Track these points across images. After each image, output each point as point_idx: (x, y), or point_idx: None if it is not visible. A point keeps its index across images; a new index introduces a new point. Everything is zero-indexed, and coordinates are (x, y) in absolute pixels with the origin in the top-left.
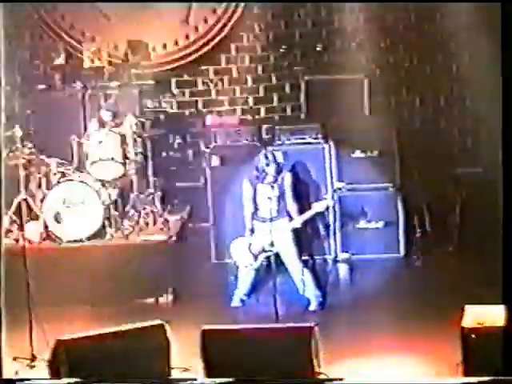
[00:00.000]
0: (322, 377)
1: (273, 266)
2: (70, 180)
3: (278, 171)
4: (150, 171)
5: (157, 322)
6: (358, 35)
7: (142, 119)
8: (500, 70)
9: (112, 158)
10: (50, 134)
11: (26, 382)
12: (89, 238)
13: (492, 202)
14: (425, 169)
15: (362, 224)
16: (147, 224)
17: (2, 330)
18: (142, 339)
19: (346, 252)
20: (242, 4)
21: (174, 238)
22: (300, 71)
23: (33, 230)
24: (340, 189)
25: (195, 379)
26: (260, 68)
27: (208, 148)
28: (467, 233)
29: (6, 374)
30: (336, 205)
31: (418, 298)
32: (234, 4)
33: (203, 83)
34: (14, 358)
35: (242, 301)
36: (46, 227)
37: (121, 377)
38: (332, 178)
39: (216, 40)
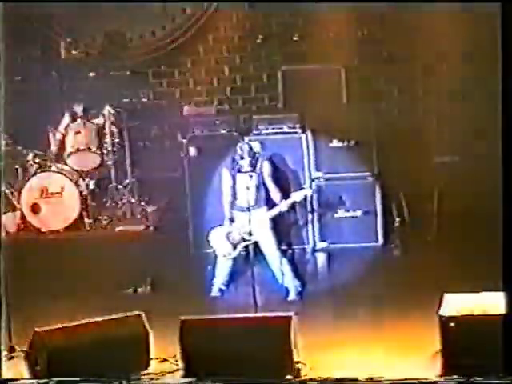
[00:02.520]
0: (300, 366)
1: (251, 255)
2: (48, 171)
3: (256, 161)
4: (127, 162)
5: (135, 312)
6: (335, 25)
7: (119, 110)
8: (500, 70)
9: (89, 149)
10: (26, 125)
11: (18, 381)
12: (66, 229)
13: (470, 191)
14: (403, 158)
15: (341, 213)
16: (125, 214)
17: None
18: (120, 330)
19: (325, 241)
20: None
21: (152, 229)
22: (277, 61)
23: (10, 221)
24: (318, 178)
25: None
26: (237, 58)
27: (185, 138)
28: (445, 222)
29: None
30: (314, 194)
31: (397, 286)
32: None
33: (180, 73)
34: None
35: (221, 290)
36: (23, 218)
37: (99, 368)
38: (310, 167)
39: (193, 30)
